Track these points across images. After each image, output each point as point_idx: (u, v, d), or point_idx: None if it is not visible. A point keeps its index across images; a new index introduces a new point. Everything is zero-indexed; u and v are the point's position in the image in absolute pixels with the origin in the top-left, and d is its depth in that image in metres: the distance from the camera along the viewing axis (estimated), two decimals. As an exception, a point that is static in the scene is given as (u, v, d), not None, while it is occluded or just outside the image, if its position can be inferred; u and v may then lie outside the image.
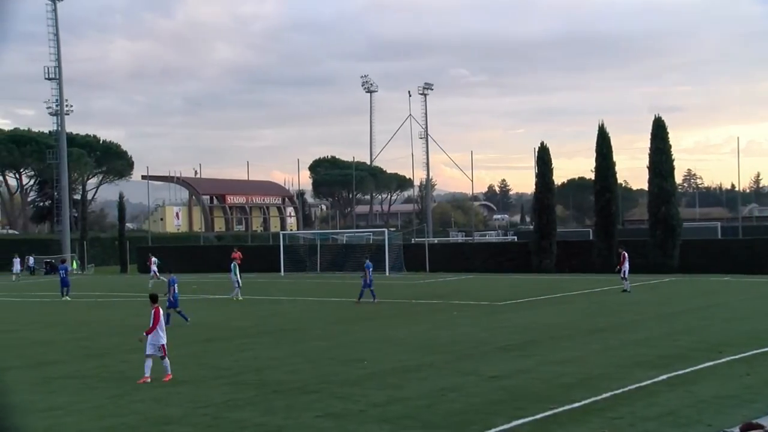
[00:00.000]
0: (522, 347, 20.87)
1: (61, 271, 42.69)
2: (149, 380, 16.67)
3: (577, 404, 13.95)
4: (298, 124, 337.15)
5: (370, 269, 35.32)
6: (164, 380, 16.76)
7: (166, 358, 17.12)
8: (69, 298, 39.96)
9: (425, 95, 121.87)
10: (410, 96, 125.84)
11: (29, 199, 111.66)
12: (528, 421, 12.94)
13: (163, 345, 17.12)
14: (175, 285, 27.78)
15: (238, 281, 37.52)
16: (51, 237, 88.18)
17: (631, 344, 21.02)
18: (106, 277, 65.56)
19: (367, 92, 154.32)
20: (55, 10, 79.35)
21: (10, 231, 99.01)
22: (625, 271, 37.37)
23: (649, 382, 15.71)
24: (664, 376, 16.21)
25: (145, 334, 17.10)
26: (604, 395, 14.62)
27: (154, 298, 17.67)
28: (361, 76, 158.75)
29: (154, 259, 50.99)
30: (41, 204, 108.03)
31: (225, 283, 50.44)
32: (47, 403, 15.11)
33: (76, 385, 17.08)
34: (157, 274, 47.63)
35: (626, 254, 38.02)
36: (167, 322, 18.62)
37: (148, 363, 16.91)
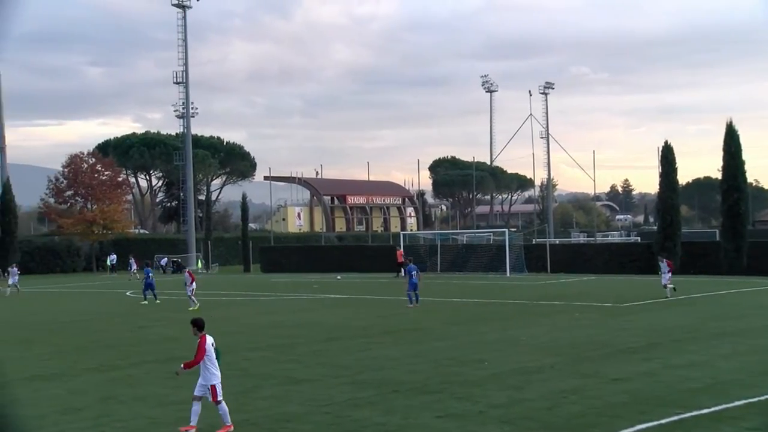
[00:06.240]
0: (645, 350, 20.36)
1: (148, 274, 40.25)
2: (194, 430, 13.05)
3: (705, 410, 13.47)
4: (417, 124, 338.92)
5: (413, 272, 33.87)
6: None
7: (223, 403, 13.09)
8: (147, 303, 38.46)
9: (546, 94, 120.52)
10: (531, 95, 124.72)
11: (158, 200, 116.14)
12: (652, 425, 12.59)
13: (214, 386, 13.10)
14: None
15: (192, 290, 35.54)
16: (178, 237, 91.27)
17: (763, 350, 20.19)
18: (229, 276, 67.33)
19: (487, 92, 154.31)
20: (184, 17, 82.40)
21: (141, 231, 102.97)
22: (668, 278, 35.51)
23: (787, 391, 14.91)
24: (804, 386, 15.36)
25: (183, 367, 13.45)
26: (737, 403, 13.99)
27: (199, 325, 13.47)
28: (481, 76, 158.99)
29: None
30: (168, 204, 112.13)
31: (343, 284, 51.11)
32: (177, 396, 15.60)
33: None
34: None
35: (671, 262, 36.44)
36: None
37: (195, 407, 13.09)
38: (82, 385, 17.52)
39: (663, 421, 12.81)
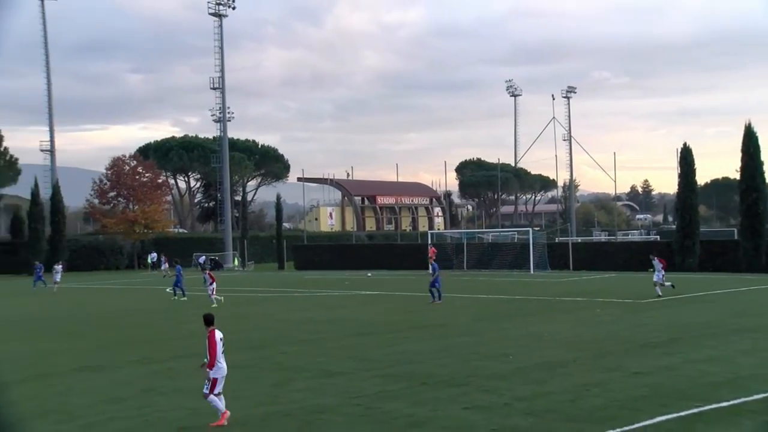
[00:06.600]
0: (665, 345, 20.59)
1: (179, 272, 41.49)
2: (227, 414, 13.32)
3: (725, 404, 13.65)
4: (443, 127, 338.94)
5: (436, 270, 35.14)
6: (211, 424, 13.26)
7: (211, 396, 13.24)
8: (186, 299, 39.54)
9: (568, 98, 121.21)
10: (554, 99, 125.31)
11: (196, 201, 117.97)
12: (672, 417, 12.82)
13: (215, 379, 13.24)
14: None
15: (212, 290, 36.12)
16: (215, 236, 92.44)
17: (784, 346, 20.32)
18: (264, 273, 68.09)
19: (511, 96, 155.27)
20: (221, 26, 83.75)
21: (180, 230, 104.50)
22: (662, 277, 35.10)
23: (809, 386, 15.03)
24: (826, 381, 15.48)
25: (207, 370, 13.36)
26: (756, 396, 14.17)
27: (206, 320, 13.80)
28: (506, 81, 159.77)
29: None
30: (206, 205, 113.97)
31: (373, 281, 51.65)
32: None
33: (236, 374, 17.71)
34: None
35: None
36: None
37: (218, 398, 13.40)
38: (126, 376, 18.22)
39: (683, 414, 13.02)
